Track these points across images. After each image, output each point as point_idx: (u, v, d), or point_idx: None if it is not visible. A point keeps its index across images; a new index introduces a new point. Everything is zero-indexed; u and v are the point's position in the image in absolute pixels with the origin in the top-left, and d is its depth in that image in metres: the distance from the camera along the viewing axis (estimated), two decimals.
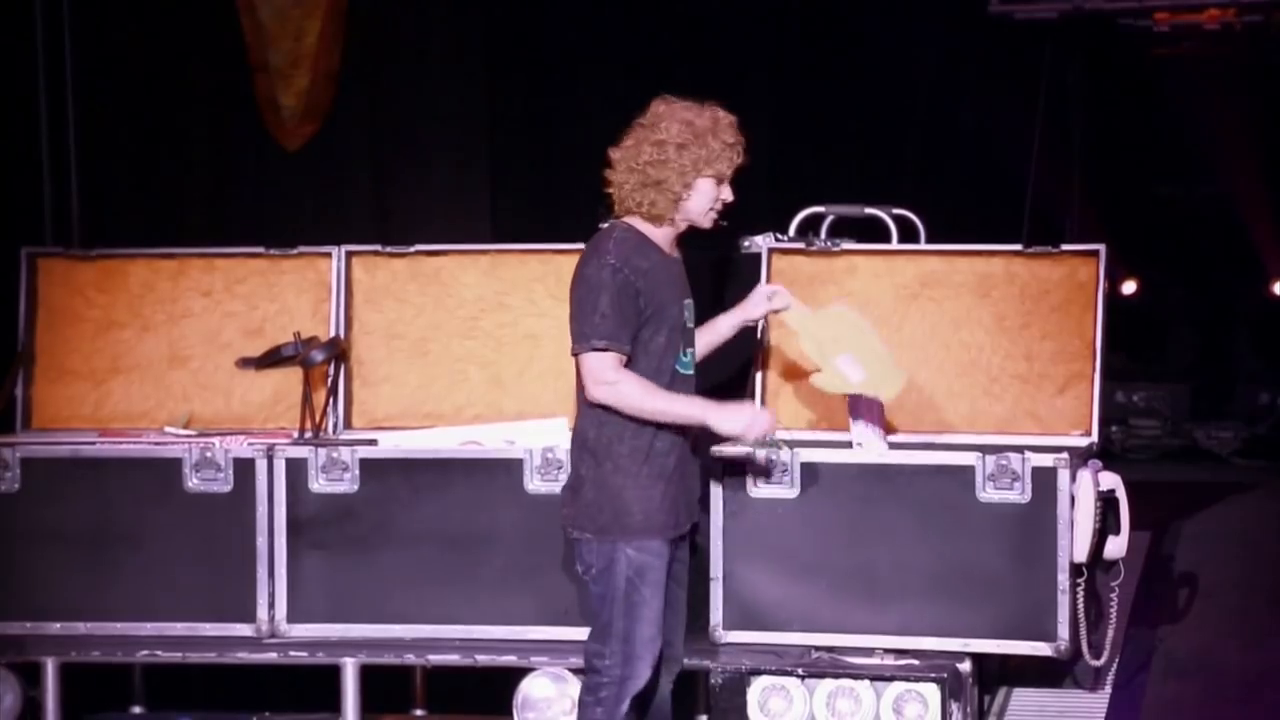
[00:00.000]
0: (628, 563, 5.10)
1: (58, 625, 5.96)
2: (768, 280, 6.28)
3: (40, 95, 7.32)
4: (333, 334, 6.35)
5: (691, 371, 5.24)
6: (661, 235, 5.18)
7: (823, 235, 6.59)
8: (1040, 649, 5.67)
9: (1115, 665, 6.08)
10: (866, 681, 5.64)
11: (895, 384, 5.73)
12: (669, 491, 5.15)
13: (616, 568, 5.11)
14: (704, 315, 6.77)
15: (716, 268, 6.71)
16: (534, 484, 5.85)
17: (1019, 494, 5.69)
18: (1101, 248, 6.16)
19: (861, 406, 5.95)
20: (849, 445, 5.98)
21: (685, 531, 5.25)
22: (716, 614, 5.77)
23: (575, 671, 5.68)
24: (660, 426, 5.12)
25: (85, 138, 7.38)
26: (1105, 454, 6.03)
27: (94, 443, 6.15)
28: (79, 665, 5.92)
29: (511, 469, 5.86)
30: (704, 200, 5.17)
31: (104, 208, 7.31)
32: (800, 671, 5.67)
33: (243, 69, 7.40)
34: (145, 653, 5.90)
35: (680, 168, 5.10)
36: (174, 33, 7.58)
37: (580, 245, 6.28)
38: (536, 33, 8.30)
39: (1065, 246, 6.22)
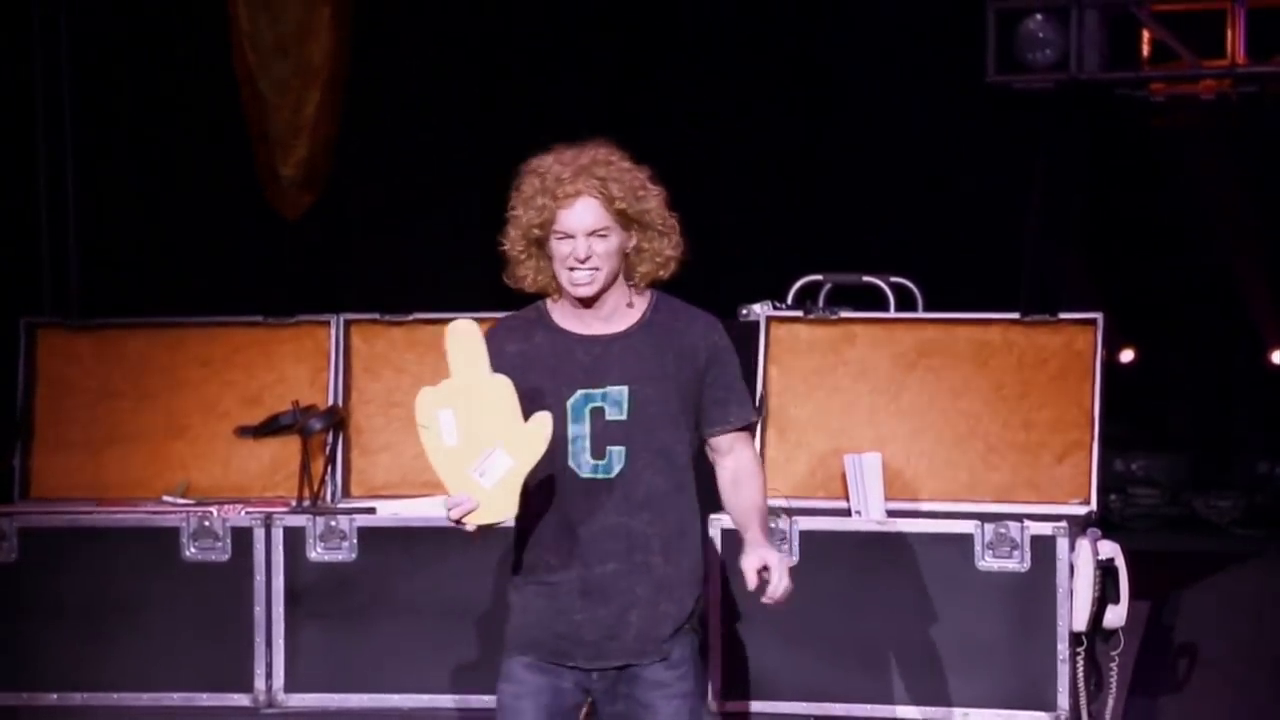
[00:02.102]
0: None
1: (54, 696, 5.94)
2: (766, 349, 6.28)
3: (40, 165, 7.36)
4: (331, 402, 6.36)
5: (604, 477, 4.25)
6: (560, 310, 4.35)
7: (820, 303, 6.60)
8: (1040, 719, 5.65)
9: None
10: None
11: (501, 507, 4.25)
12: (550, 609, 4.29)
13: None
14: None
15: None
16: None
17: (1018, 563, 5.68)
18: (1099, 316, 6.17)
19: (859, 473, 5.95)
20: (848, 513, 5.98)
21: (588, 667, 4.28)
22: (714, 683, 5.75)
23: None
24: (547, 538, 4.28)
25: (84, 208, 7.40)
26: (1104, 523, 6.02)
27: (92, 512, 6.14)
28: None
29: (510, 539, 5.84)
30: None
31: (103, 278, 7.33)
32: None
33: (242, 139, 7.43)
34: None
35: (510, 236, 4.35)
36: (173, 102, 7.62)
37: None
38: (536, 102, 8.34)
39: (1063, 315, 6.24)
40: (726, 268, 7.87)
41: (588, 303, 4.30)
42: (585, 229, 4.25)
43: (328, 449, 6.31)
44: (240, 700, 5.90)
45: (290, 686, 5.88)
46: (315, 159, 7.49)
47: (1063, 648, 5.63)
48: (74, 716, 5.90)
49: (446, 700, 5.84)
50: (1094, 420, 6.09)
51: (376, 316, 6.45)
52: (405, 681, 5.86)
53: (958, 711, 5.66)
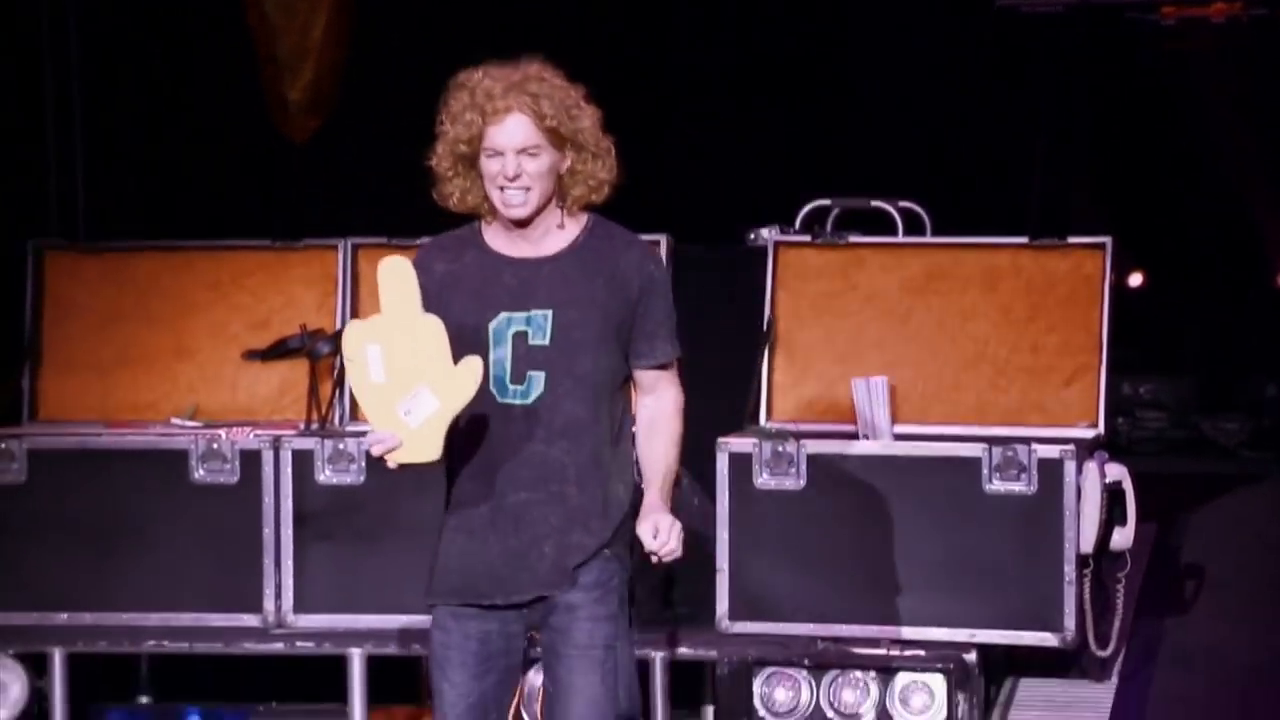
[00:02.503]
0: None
1: (64, 615, 5.97)
2: (774, 274, 6.27)
3: (46, 89, 7.33)
4: (339, 326, 6.36)
5: (522, 403, 4.13)
6: (492, 232, 4.22)
7: (829, 228, 6.59)
8: (1047, 639, 5.67)
9: (1122, 656, 6.08)
10: (873, 672, 5.65)
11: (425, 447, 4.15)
12: (468, 548, 4.20)
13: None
14: (709, 310, 6.80)
15: (722, 261, 6.70)
16: None
17: (1025, 485, 5.69)
18: (1108, 240, 6.16)
19: (867, 397, 5.95)
20: (855, 437, 5.99)
21: (511, 603, 4.17)
22: (722, 604, 5.77)
23: None
24: (467, 467, 4.18)
25: (91, 132, 7.38)
26: (1112, 446, 6.03)
27: (100, 434, 6.16)
28: (86, 655, 5.93)
29: None
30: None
31: (110, 201, 7.32)
32: (806, 662, 5.67)
33: (249, 62, 7.40)
34: (152, 643, 5.91)
35: (438, 153, 4.21)
36: (179, 26, 7.58)
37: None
38: (546, 27, 8.30)
39: (1072, 239, 6.23)
40: (734, 192, 7.86)
41: (519, 224, 4.16)
42: (515, 146, 4.10)
43: (335, 372, 6.31)
44: (249, 621, 5.92)
45: (299, 607, 5.91)
46: (322, 82, 7.45)
47: (1070, 570, 5.64)
48: (83, 635, 5.93)
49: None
50: (1102, 344, 6.09)
51: (384, 240, 6.44)
52: (413, 602, 5.86)
53: (964, 632, 5.67)
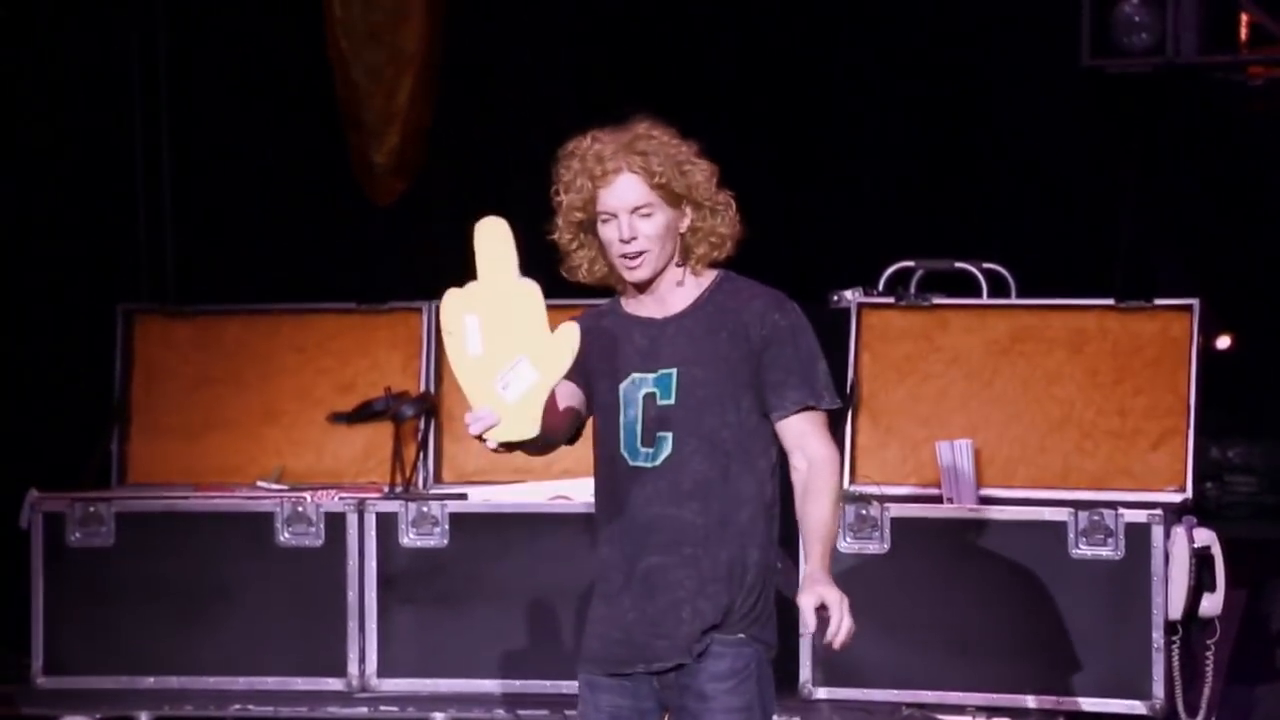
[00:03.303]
0: None
1: (151, 679, 6.00)
2: (858, 336, 6.25)
3: (136, 154, 7.43)
4: (423, 389, 6.39)
5: (651, 465, 4.05)
6: (627, 297, 4.16)
7: (912, 289, 6.57)
8: (1136, 708, 5.61)
9: None
10: None
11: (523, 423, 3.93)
12: (607, 615, 4.10)
13: None
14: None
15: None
16: None
17: (1112, 550, 5.64)
18: (1195, 302, 6.12)
19: (952, 460, 5.92)
20: (940, 500, 5.95)
21: (654, 670, 4.07)
22: (806, 670, 5.74)
23: None
24: (605, 532, 4.11)
25: (180, 196, 7.47)
26: (1200, 510, 5.97)
27: (187, 497, 6.20)
28: (172, 719, 5.96)
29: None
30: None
31: (199, 265, 7.39)
32: None
33: (336, 126, 7.47)
34: (237, 707, 5.93)
35: (558, 225, 4.16)
36: (268, 91, 7.66)
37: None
38: (631, 91, 8.34)
39: (1159, 301, 6.18)
40: (818, 253, 7.85)
41: (642, 286, 4.09)
42: (627, 206, 4.04)
43: (419, 435, 6.34)
44: (334, 684, 5.93)
45: (383, 671, 5.92)
46: (408, 146, 7.51)
47: (1158, 636, 5.58)
48: (170, 699, 5.96)
49: (538, 685, 5.85)
50: (1190, 407, 6.04)
51: None
52: (496, 666, 5.88)
53: (1051, 699, 5.62)
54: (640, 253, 4.06)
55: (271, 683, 5.95)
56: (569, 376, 4.00)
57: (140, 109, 7.39)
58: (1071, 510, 5.67)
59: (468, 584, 5.91)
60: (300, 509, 5.99)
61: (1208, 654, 5.80)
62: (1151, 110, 8.56)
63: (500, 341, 3.89)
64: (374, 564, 5.94)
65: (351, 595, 5.93)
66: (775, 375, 4.05)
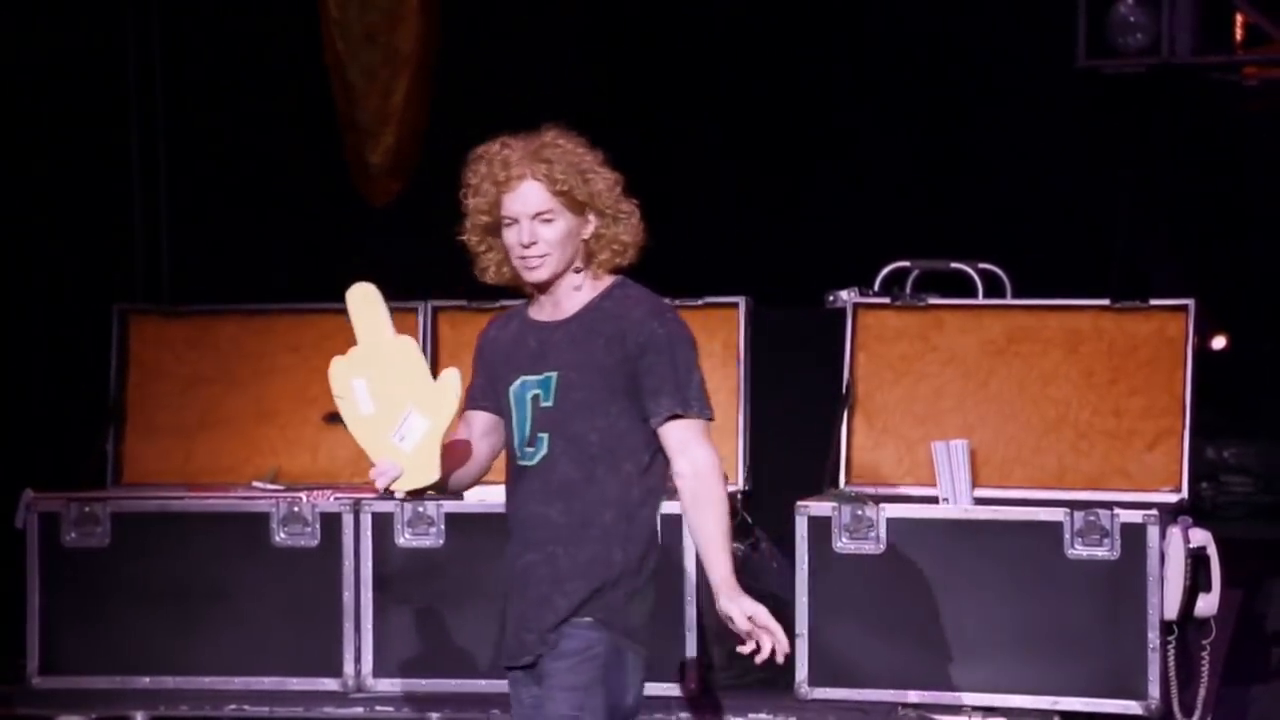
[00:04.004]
0: None
1: (147, 679, 6.00)
2: (853, 336, 6.25)
3: (133, 154, 7.42)
4: None
5: (531, 464, 4.24)
6: (533, 299, 4.34)
7: (908, 290, 6.57)
8: (1131, 708, 5.61)
9: None
10: None
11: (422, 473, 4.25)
12: (507, 610, 4.35)
13: None
14: (788, 372, 6.78)
15: (801, 324, 6.69)
16: None
17: (1108, 550, 5.64)
18: (1191, 302, 6.12)
19: (947, 460, 5.92)
20: (935, 500, 5.96)
21: (520, 665, 4.29)
22: (802, 670, 5.74)
23: None
24: (508, 529, 4.34)
25: (176, 196, 7.46)
26: (1196, 510, 5.97)
27: (183, 498, 6.20)
28: (168, 719, 5.95)
29: None
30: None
31: (193, 265, 7.39)
32: None
33: (331, 126, 7.47)
34: (233, 707, 5.93)
35: (466, 228, 4.37)
36: (263, 90, 7.66)
37: (661, 300, 6.29)
38: (623, 91, 8.34)
39: (1154, 301, 6.19)
40: (814, 254, 7.86)
41: (542, 289, 4.26)
42: (529, 212, 4.20)
43: None
44: (329, 685, 5.93)
45: (379, 671, 5.91)
46: (403, 147, 7.51)
47: (1154, 636, 5.58)
48: (165, 699, 5.95)
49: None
50: (1185, 407, 6.04)
51: (464, 304, 6.47)
52: (493, 666, 5.87)
53: (1046, 700, 5.62)
54: (540, 256, 4.21)
55: (267, 683, 5.94)
56: (483, 405, 4.31)
57: (136, 109, 7.39)
58: (1067, 510, 5.67)
59: (464, 584, 5.90)
60: (296, 509, 5.99)
61: (1203, 654, 5.80)
62: (1147, 110, 8.58)
63: (388, 398, 4.17)
64: (370, 564, 5.94)
65: (347, 595, 5.93)
66: (650, 382, 4.19)
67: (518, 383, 4.26)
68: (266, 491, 6.24)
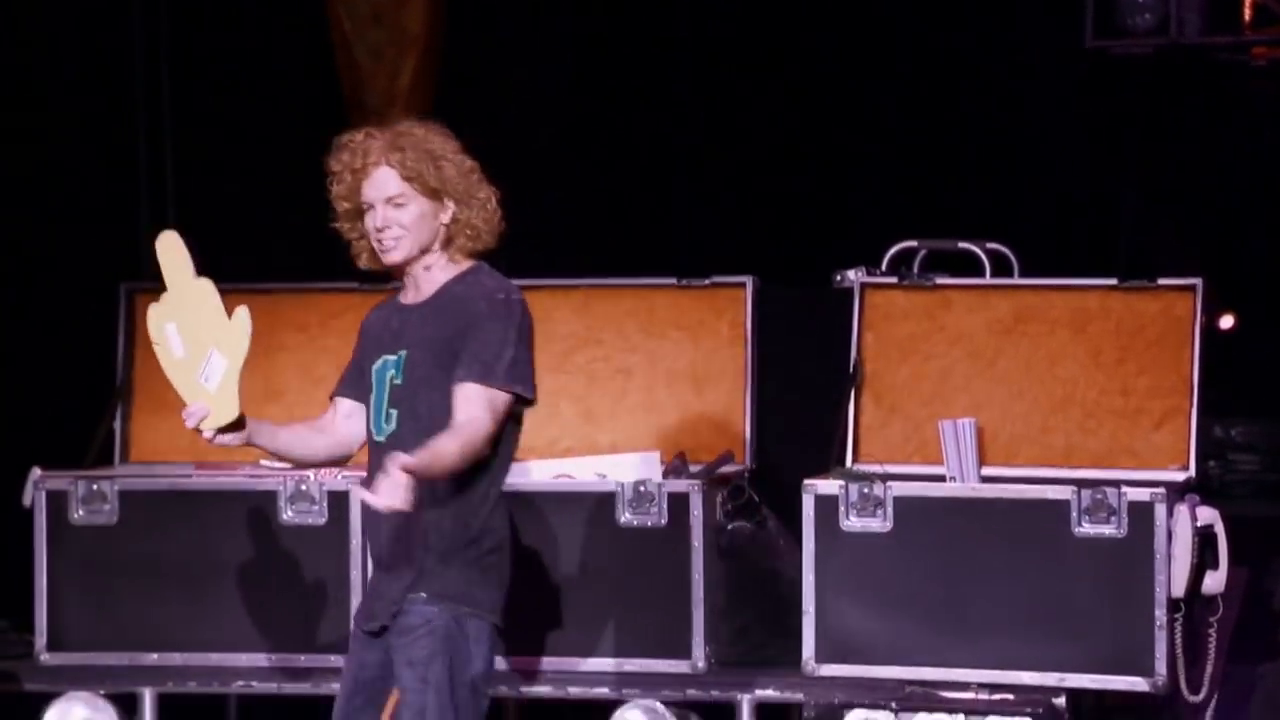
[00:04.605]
0: None
1: (155, 656, 6.01)
2: (861, 315, 6.26)
3: (138, 133, 7.42)
4: None
5: (383, 439, 4.51)
6: (404, 284, 4.65)
7: (915, 269, 6.57)
8: (1138, 685, 5.61)
9: (1214, 702, 6.01)
10: (961, 716, 5.61)
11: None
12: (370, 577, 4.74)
13: None
14: (795, 352, 6.78)
15: (808, 303, 6.69)
16: (625, 517, 5.85)
17: (1115, 528, 5.64)
18: (1198, 281, 6.12)
19: (955, 439, 5.92)
20: (943, 479, 5.96)
21: (368, 630, 4.58)
22: (809, 647, 5.75)
23: (667, 704, 5.67)
24: None
25: (182, 175, 7.46)
26: (1203, 489, 5.97)
27: (190, 475, 6.20)
28: (176, 696, 5.97)
29: (603, 502, 5.86)
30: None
31: (200, 243, 7.38)
32: (894, 705, 5.64)
33: (339, 107, 7.47)
34: (241, 684, 5.94)
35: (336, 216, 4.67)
36: (270, 71, 7.66)
37: (670, 281, 6.32)
38: (631, 76, 8.34)
39: (1161, 280, 6.19)
40: (822, 234, 7.86)
41: (400, 272, 4.53)
42: (382, 197, 4.45)
43: None
44: (337, 662, 5.87)
45: None
46: None
47: (1160, 614, 5.58)
48: (173, 676, 5.96)
49: (541, 662, 5.86)
50: (1193, 386, 6.04)
51: None
52: (504, 643, 5.87)
53: (1053, 676, 5.63)
54: (394, 239, 4.47)
55: (275, 659, 5.95)
56: (343, 391, 4.64)
57: (142, 86, 7.39)
58: (1074, 489, 5.67)
59: None
60: (303, 487, 5.99)
61: (1210, 632, 5.81)
62: (1155, 91, 8.56)
63: (195, 340, 4.46)
64: None
65: (355, 573, 5.93)
66: (465, 354, 4.43)
67: (380, 362, 4.53)
68: (274, 470, 6.24)
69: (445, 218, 4.48)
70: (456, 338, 4.43)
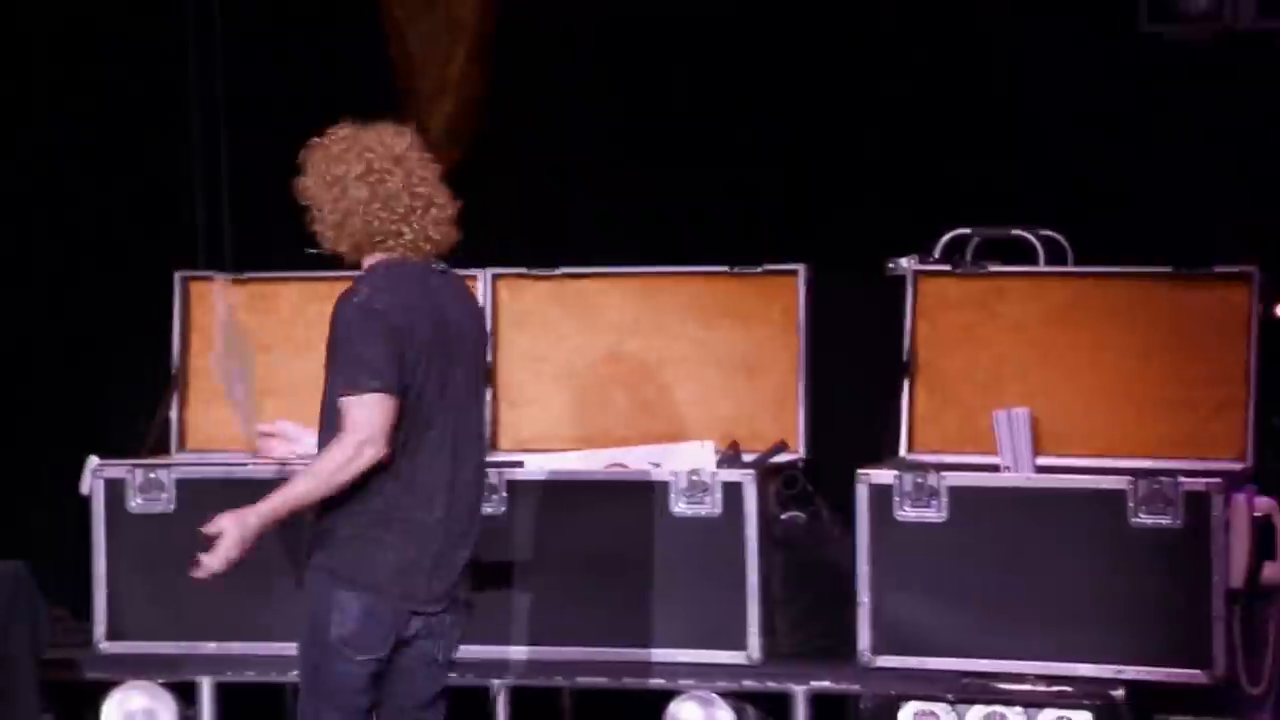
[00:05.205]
0: None
1: (213, 645, 6.04)
2: (914, 304, 6.24)
3: (194, 122, 7.45)
4: None
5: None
6: None
7: (969, 257, 6.54)
8: (1196, 677, 5.59)
9: (1274, 693, 5.98)
10: (1019, 708, 5.59)
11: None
12: None
13: None
14: (848, 340, 6.77)
15: (861, 291, 6.67)
16: (679, 506, 5.85)
17: (1172, 519, 5.62)
18: (1254, 269, 6.09)
19: (1009, 429, 5.91)
20: (997, 469, 5.94)
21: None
22: (864, 638, 5.75)
23: (722, 695, 5.67)
24: None
25: (238, 164, 7.48)
26: (1259, 479, 5.94)
27: (245, 464, 6.22)
28: (234, 685, 6.00)
29: (657, 491, 5.86)
30: None
31: (255, 232, 7.41)
32: (950, 697, 5.63)
33: (390, 94, 7.48)
34: (298, 672, 5.95)
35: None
36: (323, 59, 7.67)
37: (723, 269, 6.31)
38: (685, 63, 8.32)
39: (1217, 268, 6.15)
40: (874, 221, 7.82)
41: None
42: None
43: None
44: None
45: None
46: (462, 114, 7.52)
47: (1218, 605, 5.56)
48: (231, 665, 5.99)
49: (595, 652, 5.86)
50: (1249, 375, 6.01)
51: (524, 271, 6.49)
52: (555, 633, 5.89)
53: (1111, 669, 5.61)
54: (318, 234, 4.89)
55: None
56: None
57: (197, 76, 7.41)
58: (1130, 479, 5.65)
59: (525, 551, 5.92)
60: None
61: (1269, 623, 5.78)
62: (1209, 76, 8.51)
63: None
64: None
65: None
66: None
67: None
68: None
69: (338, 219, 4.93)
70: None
